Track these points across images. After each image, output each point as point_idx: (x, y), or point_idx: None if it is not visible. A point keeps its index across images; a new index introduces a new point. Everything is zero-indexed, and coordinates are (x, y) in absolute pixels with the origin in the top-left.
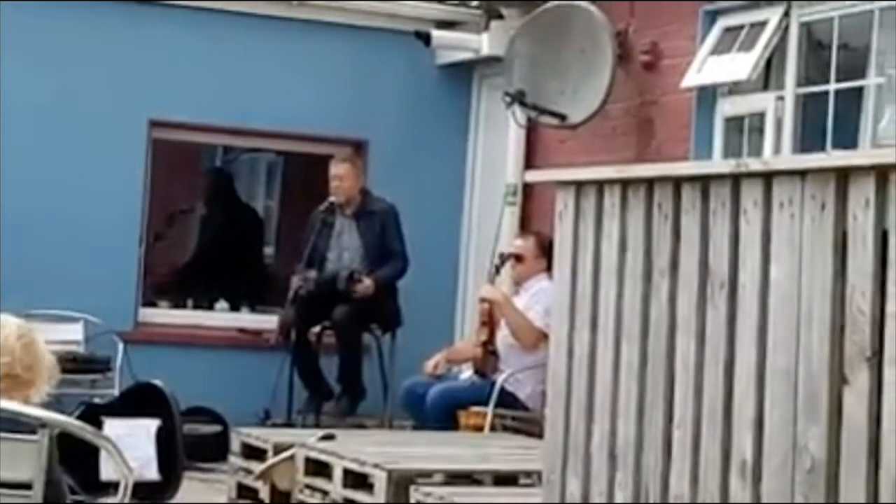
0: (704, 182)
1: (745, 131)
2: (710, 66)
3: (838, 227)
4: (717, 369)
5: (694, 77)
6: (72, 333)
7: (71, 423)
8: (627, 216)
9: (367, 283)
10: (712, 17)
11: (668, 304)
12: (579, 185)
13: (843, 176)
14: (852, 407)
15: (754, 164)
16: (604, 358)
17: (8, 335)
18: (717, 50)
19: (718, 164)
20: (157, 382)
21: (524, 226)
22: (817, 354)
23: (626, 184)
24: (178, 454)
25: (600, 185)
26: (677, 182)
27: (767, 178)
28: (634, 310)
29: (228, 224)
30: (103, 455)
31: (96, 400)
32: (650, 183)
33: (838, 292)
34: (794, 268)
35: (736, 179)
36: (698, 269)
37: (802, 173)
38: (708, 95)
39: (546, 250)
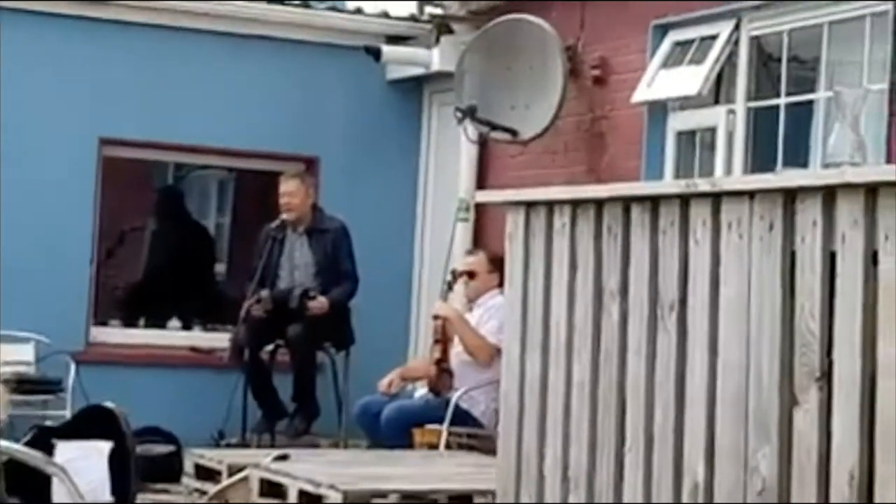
0: (654, 202)
1: (696, 146)
2: (660, 81)
3: (786, 248)
4: (668, 391)
5: (644, 92)
6: (22, 354)
7: (20, 450)
8: (577, 237)
9: (320, 301)
10: (662, 31)
11: (618, 325)
12: (529, 206)
13: (791, 197)
14: (803, 427)
15: (703, 185)
16: (555, 379)
17: None
18: (668, 64)
19: (667, 184)
20: (109, 404)
21: (477, 241)
22: (767, 375)
23: (575, 204)
24: (130, 476)
25: (550, 205)
26: (627, 202)
27: (716, 198)
28: (585, 331)
29: (180, 242)
30: (55, 480)
31: (48, 423)
32: (600, 203)
33: (788, 313)
34: (743, 288)
35: (685, 200)
36: (648, 290)
37: (751, 194)
38: (659, 110)
39: (498, 265)
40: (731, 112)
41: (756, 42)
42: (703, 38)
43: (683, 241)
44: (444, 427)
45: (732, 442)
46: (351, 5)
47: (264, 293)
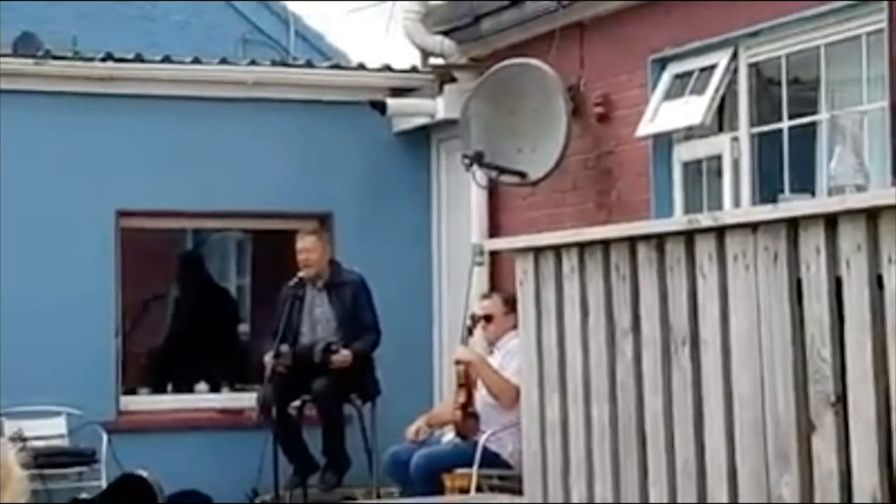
0: (659, 240)
1: (703, 175)
2: (663, 114)
3: (793, 277)
4: (686, 425)
5: (648, 125)
6: (55, 428)
7: None
8: (587, 279)
9: (344, 354)
10: (661, 64)
11: (633, 363)
12: (537, 251)
13: (794, 226)
14: (822, 452)
15: (706, 220)
16: (575, 420)
17: None
18: (669, 96)
19: (671, 221)
20: (142, 473)
21: (494, 283)
22: (783, 403)
23: (582, 247)
24: None
25: (557, 249)
26: (633, 242)
27: (720, 232)
28: (601, 371)
29: (202, 306)
30: None
31: (84, 495)
32: (606, 244)
33: (798, 340)
34: (752, 320)
35: (689, 236)
36: (660, 327)
37: (754, 226)
38: (664, 142)
39: (514, 306)
40: (735, 139)
41: (755, 68)
42: (702, 69)
43: (691, 277)
44: (474, 470)
45: (754, 471)
46: (353, 61)
47: (284, 349)
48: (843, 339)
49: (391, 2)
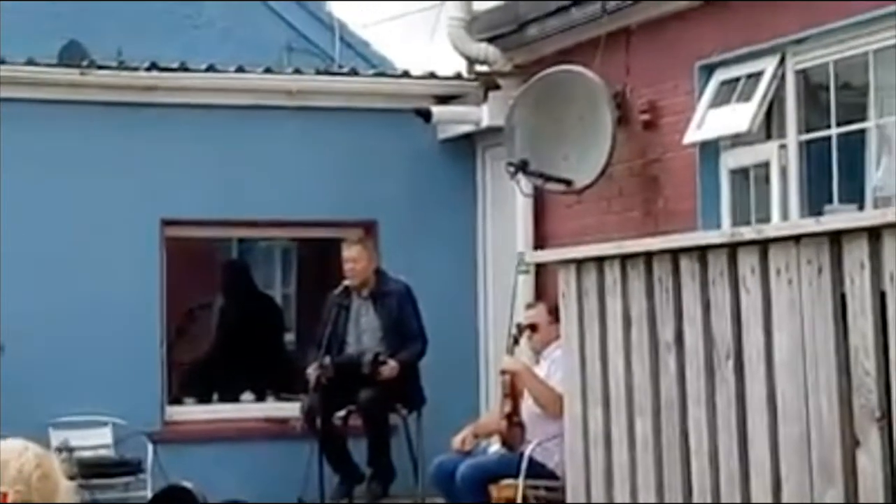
0: (702, 253)
1: (750, 182)
2: (710, 121)
3: (836, 291)
4: (730, 439)
5: (695, 132)
6: (101, 438)
7: None
8: (629, 291)
9: (391, 366)
10: (708, 71)
11: (676, 376)
12: (579, 263)
13: (837, 239)
14: (866, 467)
15: (749, 233)
16: (618, 433)
17: (24, 463)
18: (716, 103)
19: (714, 234)
20: (187, 484)
21: (539, 292)
22: (827, 418)
23: (625, 259)
24: None
25: (600, 261)
26: (675, 254)
27: (763, 245)
28: (644, 384)
29: (248, 314)
30: None
31: None
32: (649, 256)
33: (842, 355)
34: (796, 333)
35: (732, 248)
36: (703, 340)
37: (797, 238)
38: (711, 149)
39: (559, 315)
40: (783, 147)
41: (802, 75)
42: (748, 76)
43: (734, 290)
44: (520, 481)
45: (798, 486)
46: (398, 69)
47: (326, 360)
48: (887, 353)
49: (437, 7)
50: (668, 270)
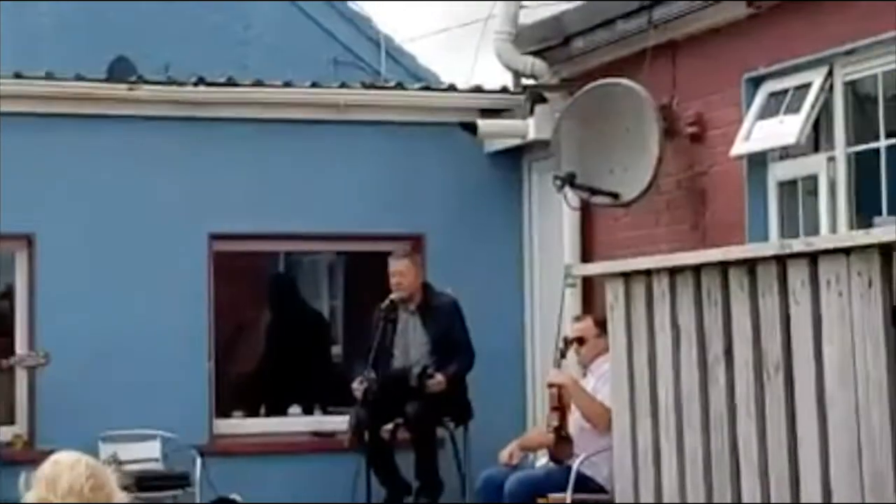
0: (751, 265)
1: (799, 195)
2: (757, 133)
3: (886, 302)
4: (780, 452)
5: (742, 145)
6: (149, 451)
7: None
8: (678, 304)
9: (439, 379)
10: (755, 83)
11: (726, 389)
12: (627, 276)
13: (887, 251)
14: None
15: (798, 245)
16: (667, 446)
17: (77, 476)
18: (764, 115)
19: (763, 246)
20: (235, 496)
21: (587, 305)
22: (879, 431)
23: (673, 271)
24: None
25: (648, 274)
26: (724, 267)
27: (812, 257)
28: (693, 397)
29: (295, 328)
30: None
31: None
32: (697, 269)
33: (893, 367)
34: (846, 346)
35: (782, 261)
36: (753, 352)
37: (847, 251)
38: (758, 162)
39: (607, 328)
40: (832, 159)
41: (850, 87)
42: (796, 88)
43: (784, 302)
44: (568, 494)
45: (849, 499)
46: (444, 83)
47: (371, 375)
48: None
49: (483, 21)
50: (717, 283)
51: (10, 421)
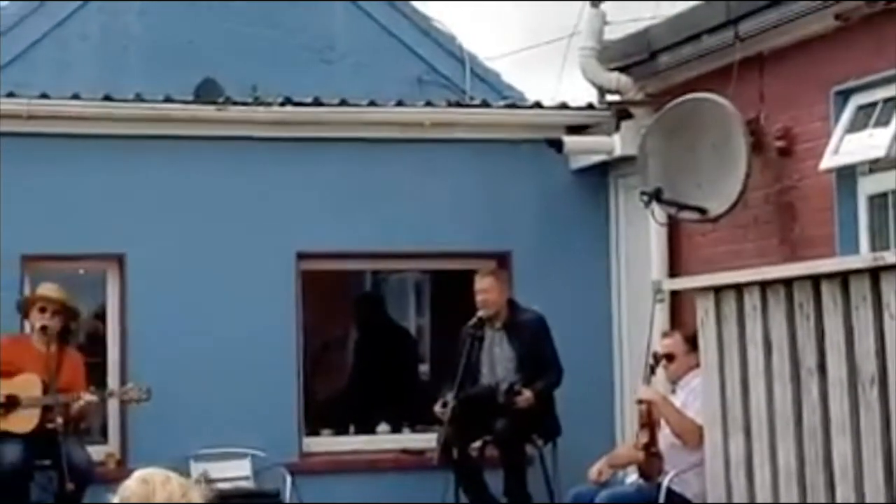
0: (843, 278)
1: (889, 208)
2: (846, 146)
3: None
4: (875, 465)
5: (831, 158)
6: (240, 469)
7: None
8: (769, 318)
9: (527, 395)
10: (844, 96)
11: (819, 403)
12: (718, 291)
13: None
14: None
15: (891, 258)
16: (760, 461)
17: (171, 493)
18: (853, 128)
19: (856, 259)
20: None
21: (675, 321)
22: None
23: (764, 285)
24: None
25: (739, 288)
26: (816, 280)
27: None
28: (786, 411)
29: (383, 346)
30: None
31: None
32: (789, 283)
33: None
34: None
35: (875, 273)
36: (846, 366)
37: None
38: (848, 175)
39: (696, 344)
40: None
41: None
42: (885, 100)
43: (877, 315)
44: None
45: None
46: (529, 100)
47: (449, 398)
48: None
49: (567, 38)
50: (809, 296)
51: (103, 440)
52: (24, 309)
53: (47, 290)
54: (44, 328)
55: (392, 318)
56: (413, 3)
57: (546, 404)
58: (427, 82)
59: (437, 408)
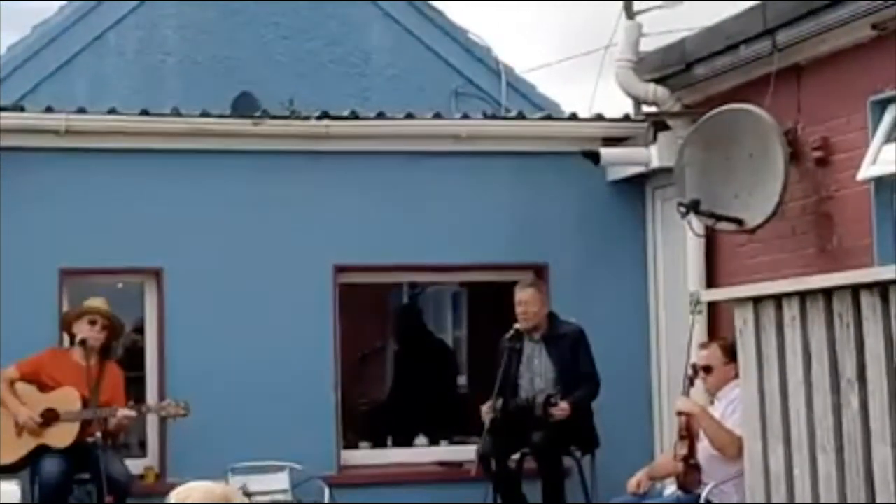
0: (883, 288)
1: None
2: (884, 156)
3: None
4: None
5: (869, 168)
6: (278, 482)
7: None
8: (809, 328)
9: (563, 407)
10: (882, 106)
11: (859, 413)
12: (756, 301)
13: None
14: None
15: None
16: (800, 472)
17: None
18: (891, 138)
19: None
20: None
21: (713, 332)
22: None
23: (803, 295)
24: None
25: (778, 298)
26: (855, 290)
27: None
28: (826, 421)
29: (421, 358)
30: None
31: None
32: (828, 293)
33: None
34: None
35: None
36: (886, 376)
37: None
38: (886, 185)
39: (734, 355)
40: None
41: None
42: None
43: None
44: None
45: None
46: (565, 111)
47: (498, 403)
48: None
49: (603, 49)
50: (848, 306)
51: (142, 454)
52: (66, 322)
53: (98, 303)
54: (83, 342)
55: (430, 331)
56: (449, 15)
57: (584, 416)
58: (463, 94)
59: (485, 408)
